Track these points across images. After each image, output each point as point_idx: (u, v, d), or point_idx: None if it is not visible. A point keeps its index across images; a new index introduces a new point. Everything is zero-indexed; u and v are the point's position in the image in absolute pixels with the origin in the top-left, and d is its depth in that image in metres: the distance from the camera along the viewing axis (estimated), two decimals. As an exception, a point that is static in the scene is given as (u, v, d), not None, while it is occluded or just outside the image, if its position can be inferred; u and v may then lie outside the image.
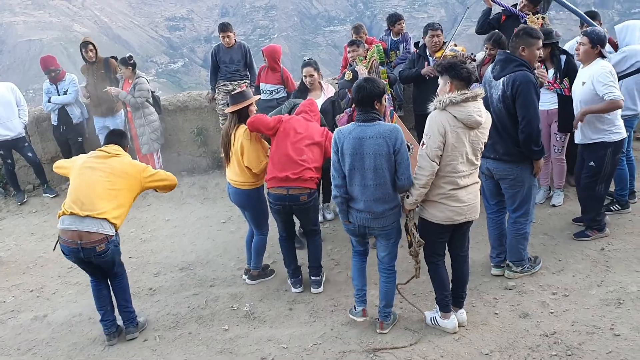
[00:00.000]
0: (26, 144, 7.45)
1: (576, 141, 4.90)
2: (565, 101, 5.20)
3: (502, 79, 4.12)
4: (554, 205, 5.69)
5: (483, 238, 4.97)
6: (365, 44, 6.17)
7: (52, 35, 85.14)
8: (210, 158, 7.80)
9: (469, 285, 4.11)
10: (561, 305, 4.11)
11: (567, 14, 5.82)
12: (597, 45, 4.62)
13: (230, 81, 7.16)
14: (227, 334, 4.27)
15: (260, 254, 4.94)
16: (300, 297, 4.66)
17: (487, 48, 5.49)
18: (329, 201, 6.01)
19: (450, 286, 3.98)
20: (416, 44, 6.54)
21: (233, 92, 4.76)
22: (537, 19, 5.86)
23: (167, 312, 4.69)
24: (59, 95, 7.25)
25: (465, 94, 3.55)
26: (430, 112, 3.68)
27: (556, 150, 5.54)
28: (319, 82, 5.62)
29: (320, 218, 5.81)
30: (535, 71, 4.38)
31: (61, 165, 4.44)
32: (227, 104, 4.83)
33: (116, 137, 4.41)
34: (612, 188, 5.45)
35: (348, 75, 5.09)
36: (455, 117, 3.55)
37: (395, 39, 7.13)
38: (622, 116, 4.79)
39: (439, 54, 5.86)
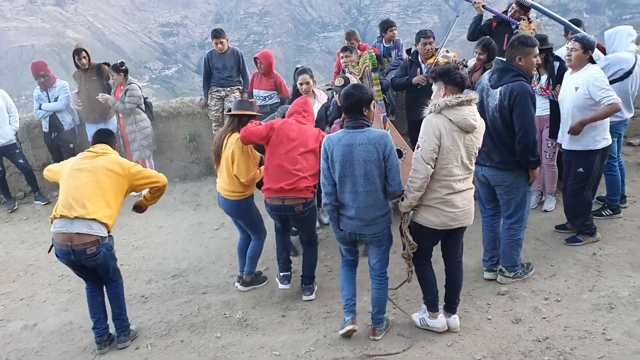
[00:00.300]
0: (17, 150, 7.40)
1: (564, 147, 4.93)
2: (557, 107, 5.23)
3: (500, 88, 4.13)
4: (545, 211, 5.72)
5: (476, 243, 4.98)
6: (358, 50, 6.19)
7: (45, 41, 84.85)
8: (203, 164, 7.79)
9: (462, 291, 4.11)
10: (553, 310, 4.12)
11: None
12: (588, 50, 4.66)
13: (223, 87, 7.16)
14: (220, 341, 4.25)
15: (256, 259, 4.92)
16: (293, 304, 4.64)
17: (476, 53, 5.54)
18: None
19: (437, 287, 4.01)
20: (408, 51, 6.56)
21: (241, 99, 4.72)
22: (530, 24, 5.92)
23: (159, 320, 4.66)
24: (49, 101, 7.22)
25: (460, 97, 3.59)
26: (424, 117, 3.70)
27: (547, 157, 5.56)
28: (312, 90, 5.62)
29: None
30: None
31: (51, 169, 4.41)
32: (229, 110, 4.77)
33: (103, 136, 4.38)
34: (603, 193, 5.49)
35: (339, 82, 5.08)
36: (450, 120, 3.59)
37: (387, 45, 7.15)
38: (610, 122, 4.83)
39: (431, 60, 5.89)
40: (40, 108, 7.25)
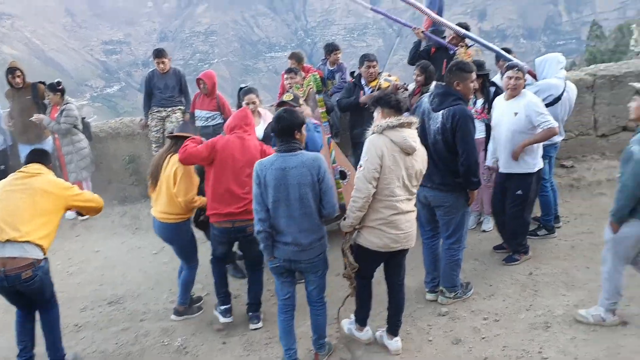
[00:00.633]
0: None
1: (501, 170, 5.09)
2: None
3: (442, 111, 4.23)
4: (484, 231, 5.86)
5: (417, 265, 5.02)
6: (302, 72, 6.21)
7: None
8: (142, 187, 7.54)
9: (404, 312, 4.13)
10: (492, 330, 4.19)
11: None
12: (525, 77, 4.89)
13: (165, 107, 7.02)
14: (157, 371, 4.09)
15: (189, 288, 4.78)
16: (235, 330, 4.53)
17: (415, 74, 5.69)
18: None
19: (371, 305, 4.07)
20: (352, 74, 6.65)
21: (185, 122, 4.66)
22: (468, 50, 6.12)
23: (94, 350, 4.45)
24: (-22, 121, 6.88)
25: (400, 119, 3.68)
26: (367, 137, 3.76)
27: (485, 178, 5.70)
28: (257, 110, 5.57)
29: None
30: None
31: None
32: (171, 132, 4.73)
33: (37, 155, 4.18)
34: (538, 213, 5.68)
35: (287, 97, 5.02)
36: (392, 140, 3.66)
37: (332, 68, 7.23)
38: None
39: (374, 83, 5.98)
40: (-32, 128, 6.89)
